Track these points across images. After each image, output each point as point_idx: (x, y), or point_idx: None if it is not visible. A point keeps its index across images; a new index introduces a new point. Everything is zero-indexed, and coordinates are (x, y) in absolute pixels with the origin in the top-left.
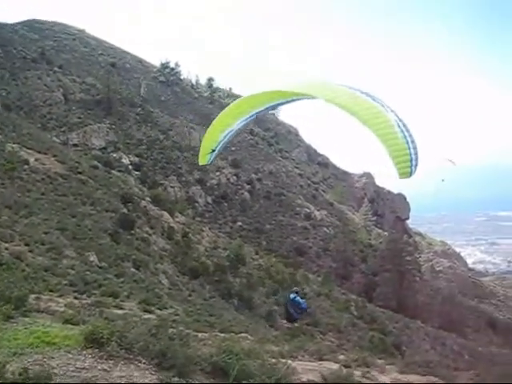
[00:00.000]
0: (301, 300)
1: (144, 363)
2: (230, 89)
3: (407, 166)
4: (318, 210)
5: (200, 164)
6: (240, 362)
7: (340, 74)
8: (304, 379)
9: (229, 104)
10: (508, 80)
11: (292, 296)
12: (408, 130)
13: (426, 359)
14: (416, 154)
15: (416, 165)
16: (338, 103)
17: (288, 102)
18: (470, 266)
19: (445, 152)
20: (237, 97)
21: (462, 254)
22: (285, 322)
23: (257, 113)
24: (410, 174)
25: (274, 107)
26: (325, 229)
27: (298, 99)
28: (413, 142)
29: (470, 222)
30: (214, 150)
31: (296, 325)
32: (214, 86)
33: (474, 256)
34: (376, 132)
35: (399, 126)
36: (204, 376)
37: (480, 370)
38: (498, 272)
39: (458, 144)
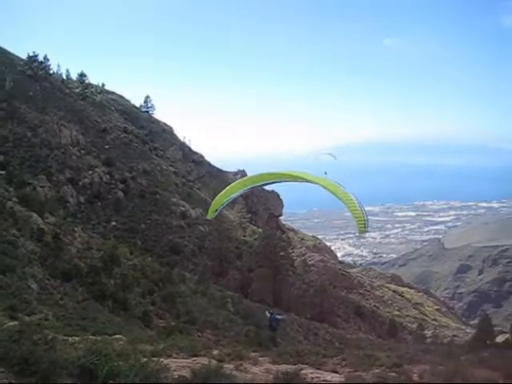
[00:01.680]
0: (278, 317)
1: (3, 372)
2: (103, 85)
3: (363, 227)
4: (194, 209)
5: (206, 217)
6: (109, 363)
7: None
8: (176, 376)
9: (101, 101)
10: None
11: (272, 316)
12: (361, 204)
13: (297, 349)
14: (367, 220)
15: (367, 227)
16: (325, 187)
17: (279, 182)
18: (340, 258)
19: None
20: (110, 93)
21: (333, 248)
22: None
23: (254, 187)
24: (365, 232)
25: (267, 184)
26: (200, 227)
27: (289, 181)
28: (365, 212)
29: (339, 217)
30: (217, 210)
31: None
32: (86, 81)
33: (343, 249)
34: (348, 207)
35: (358, 202)
36: (71, 379)
37: (346, 354)
38: (365, 263)
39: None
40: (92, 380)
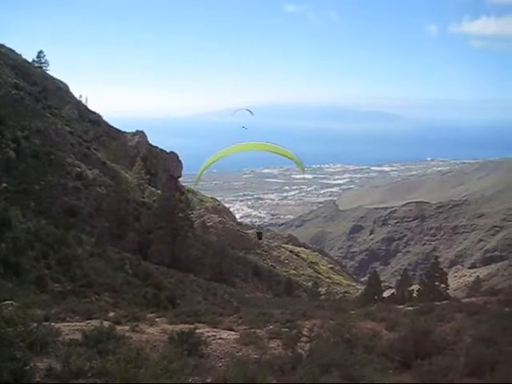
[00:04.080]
0: (261, 231)
1: None
2: None
3: (302, 168)
4: (90, 169)
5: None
6: None
7: None
8: (67, 339)
9: None
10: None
11: (258, 231)
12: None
13: (194, 308)
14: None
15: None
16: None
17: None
18: (239, 220)
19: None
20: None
21: (231, 210)
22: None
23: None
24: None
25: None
26: (97, 188)
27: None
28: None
29: (238, 179)
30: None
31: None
32: None
33: (241, 211)
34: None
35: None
36: None
37: (242, 312)
38: (263, 225)
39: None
40: None
